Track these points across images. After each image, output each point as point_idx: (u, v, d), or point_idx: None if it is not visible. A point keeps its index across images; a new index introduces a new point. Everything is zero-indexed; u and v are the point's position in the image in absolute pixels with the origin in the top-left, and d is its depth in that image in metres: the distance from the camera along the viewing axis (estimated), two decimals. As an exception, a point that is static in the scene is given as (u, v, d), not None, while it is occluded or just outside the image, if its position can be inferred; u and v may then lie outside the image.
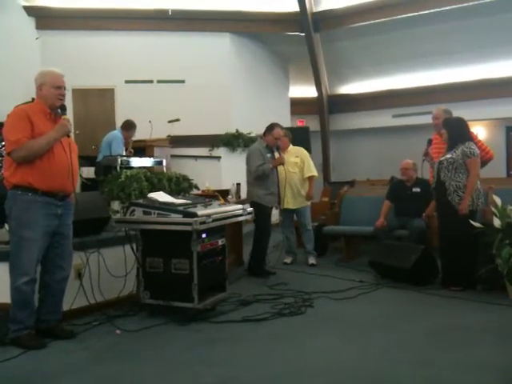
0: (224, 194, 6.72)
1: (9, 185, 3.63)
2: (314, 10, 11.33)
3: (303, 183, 6.54)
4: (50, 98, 3.68)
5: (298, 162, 6.53)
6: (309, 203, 6.61)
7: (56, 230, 3.72)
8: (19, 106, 3.79)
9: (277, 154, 6.09)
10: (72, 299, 4.18)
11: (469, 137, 5.11)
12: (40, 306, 3.79)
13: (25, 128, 3.53)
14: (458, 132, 5.11)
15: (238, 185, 7.39)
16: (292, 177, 6.45)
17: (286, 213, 6.60)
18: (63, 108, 3.76)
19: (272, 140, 5.96)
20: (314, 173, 6.67)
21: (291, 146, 6.65)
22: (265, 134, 6.03)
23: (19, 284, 3.57)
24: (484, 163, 5.51)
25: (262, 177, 5.83)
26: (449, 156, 5.05)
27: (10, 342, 3.61)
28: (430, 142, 5.73)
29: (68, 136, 3.74)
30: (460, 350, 3.45)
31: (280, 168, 6.21)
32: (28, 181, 3.56)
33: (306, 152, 6.72)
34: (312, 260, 6.51)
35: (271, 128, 5.98)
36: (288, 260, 6.64)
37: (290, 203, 6.47)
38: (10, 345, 3.58)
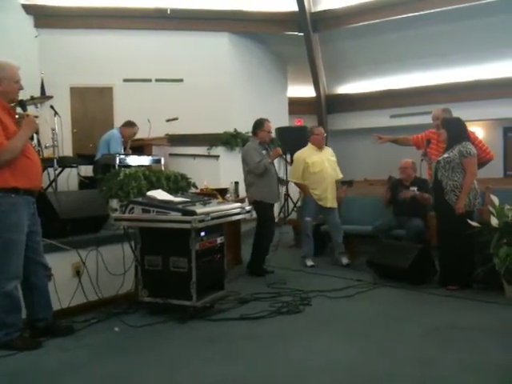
0: (222, 192, 6.73)
1: None
2: (313, 10, 11.33)
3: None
4: (11, 93, 3.57)
5: (335, 162, 6.56)
6: None
7: (31, 228, 3.65)
8: None
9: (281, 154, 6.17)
10: (70, 297, 4.19)
11: (466, 137, 5.13)
12: (33, 307, 3.75)
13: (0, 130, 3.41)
14: (455, 132, 5.13)
15: (237, 183, 7.38)
16: (333, 176, 6.44)
17: (317, 212, 6.45)
18: (23, 104, 3.68)
19: (266, 135, 5.95)
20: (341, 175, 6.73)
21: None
22: (256, 131, 5.97)
23: (10, 289, 3.49)
24: (484, 164, 5.53)
25: (263, 173, 5.80)
26: (446, 155, 5.08)
27: (1, 346, 3.48)
28: (428, 142, 5.75)
29: (37, 133, 3.68)
30: (457, 348, 3.47)
31: (324, 165, 6.32)
32: (9, 182, 3.45)
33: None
34: (347, 260, 6.36)
35: (261, 124, 5.95)
36: (312, 262, 6.38)
37: (332, 202, 6.39)
38: (1, 349, 3.45)
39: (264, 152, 5.94)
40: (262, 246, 5.93)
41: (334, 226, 6.46)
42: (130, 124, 7.43)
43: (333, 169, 6.46)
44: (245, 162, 5.95)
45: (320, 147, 6.47)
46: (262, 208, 5.80)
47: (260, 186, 5.86)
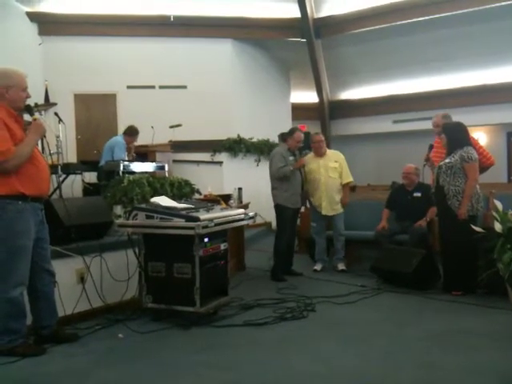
0: (226, 198, 6.73)
1: None
2: (316, 17, 11.38)
3: (340, 189, 6.43)
4: (18, 101, 3.58)
5: (337, 167, 6.40)
6: (342, 209, 6.44)
7: (39, 235, 3.65)
8: None
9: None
10: (74, 303, 4.19)
11: (467, 142, 5.13)
12: (38, 314, 3.75)
13: (7, 136, 3.40)
14: (456, 137, 5.13)
15: (240, 189, 7.40)
16: (332, 182, 6.33)
17: (320, 218, 6.46)
18: (30, 109, 3.70)
19: (294, 143, 6.11)
20: (351, 178, 6.53)
21: (329, 150, 6.57)
22: (286, 138, 6.19)
23: (15, 295, 3.49)
24: (484, 169, 5.53)
25: (283, 179, 5.96)
26: (447, 161, 5.08)
27: (5, 352, 3.47)
28: (431, 147, 5.76)
29: (44, 136, 3.73)
30: (461, 354, 3.46)
31: (319, 173, 6.33)
32: (17, 189, 3.45)
33: (343, 156, 6.56)
34: (342, 266, 6.39)
35: (292, 132, 6.18)
36: (318, 267, 6.43)
37: (327, 209, 6.36)
38: (6, 355, 3.45)
39: (291, 158, 6.08)
40: (279, 249, 6.04)
41: (334, 232, 6.50)
42: (130, 133, 7.47)
43: (329, 177, 6.33)
44: (270, 166, 6.13)
45: (319, 154, 6.47)
46: (282, 211, 6.02)
47: (282, 191, 6.02)
